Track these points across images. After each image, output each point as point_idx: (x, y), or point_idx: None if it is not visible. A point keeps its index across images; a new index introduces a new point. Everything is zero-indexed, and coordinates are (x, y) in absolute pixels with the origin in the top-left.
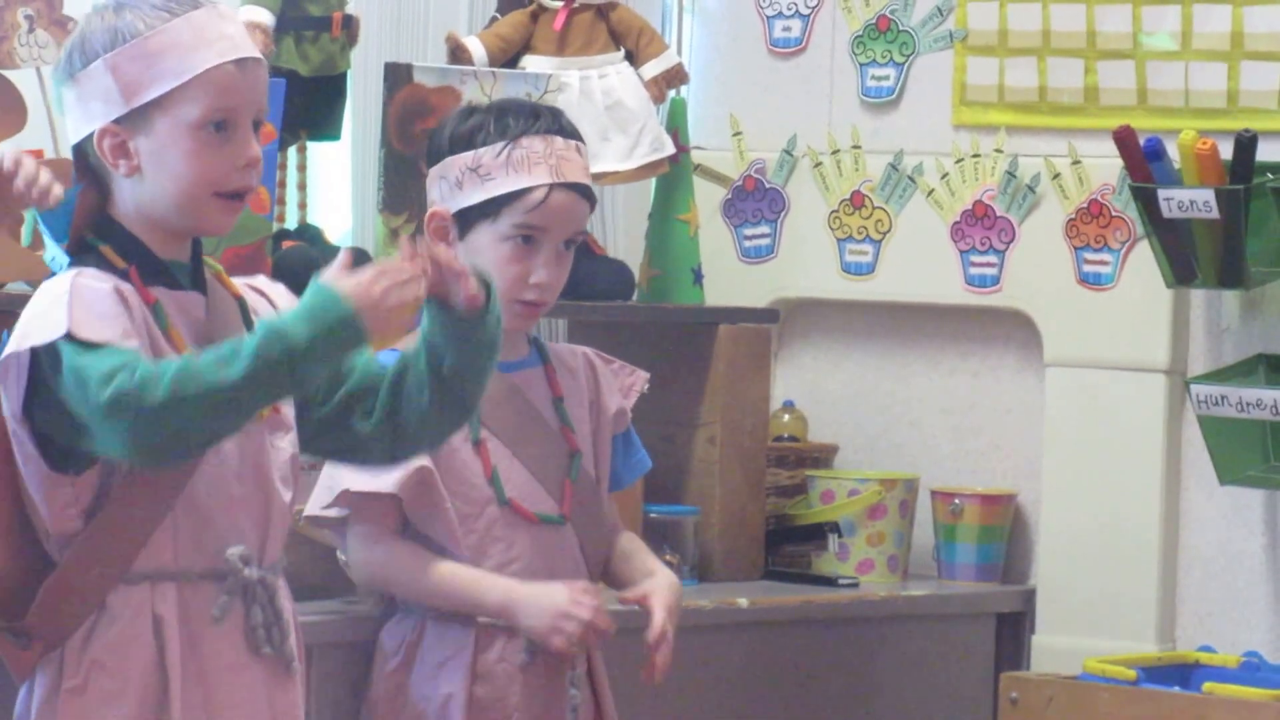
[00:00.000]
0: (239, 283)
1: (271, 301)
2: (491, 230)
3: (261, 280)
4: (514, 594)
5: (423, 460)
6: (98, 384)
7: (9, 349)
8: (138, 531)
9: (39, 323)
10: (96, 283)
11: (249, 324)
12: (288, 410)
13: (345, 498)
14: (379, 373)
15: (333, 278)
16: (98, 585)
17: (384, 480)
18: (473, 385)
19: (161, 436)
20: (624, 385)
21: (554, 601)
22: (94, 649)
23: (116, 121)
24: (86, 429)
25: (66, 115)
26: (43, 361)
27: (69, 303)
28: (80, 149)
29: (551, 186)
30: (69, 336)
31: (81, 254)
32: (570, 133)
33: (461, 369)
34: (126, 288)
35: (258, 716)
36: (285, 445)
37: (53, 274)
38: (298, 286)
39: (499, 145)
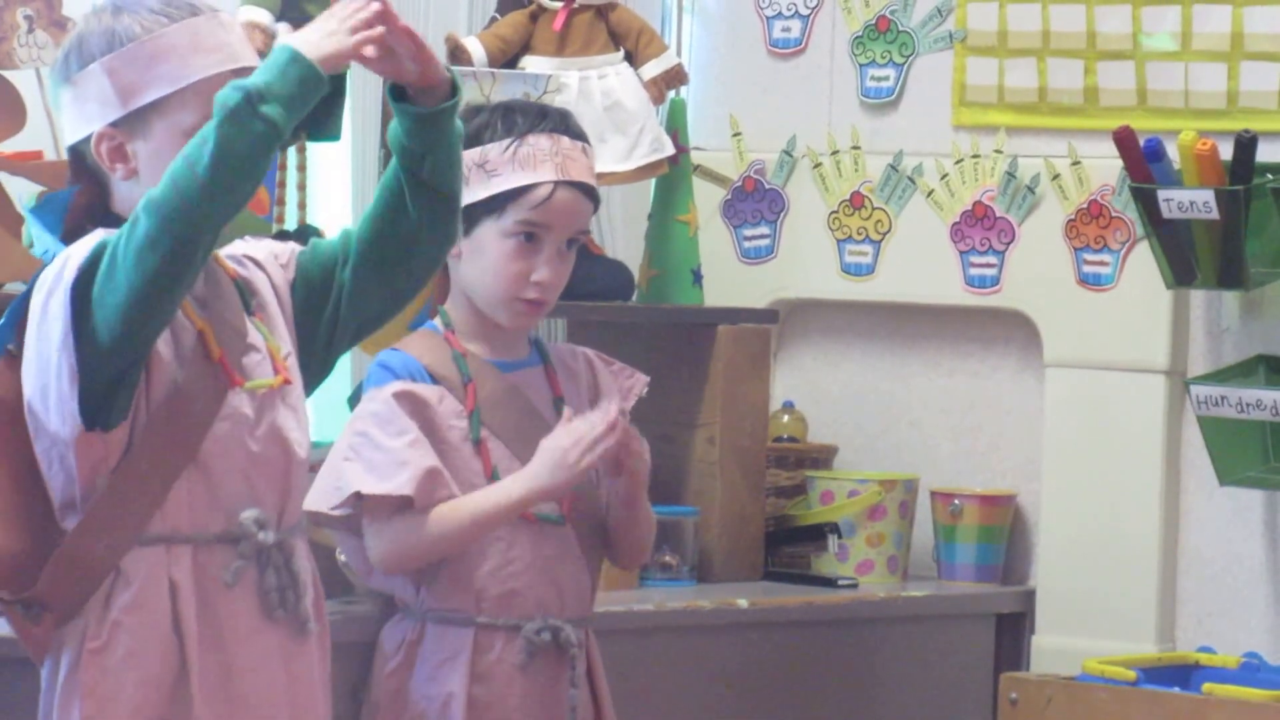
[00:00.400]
0: (231, 263)
1: (259, 264)
2: (496, 226)
3: (238, 245)
4: (525, 478)
5: (431, 461)
6: (123, 228)
7: (46, 289)
8: (150, 496)
9: (76, 255)
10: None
11: (248, 306)
12: (296, 376)
13: (355, 499)
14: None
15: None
16: (109, 552)
17: (395, 482)
18: (454, 178)
19: (185, 221)
20: (624, 387)
21: (554, 449)
22: (114, 611)
23: (113, 125)
24: (124, 319)
25: (63, 116)
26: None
27: (98, 234)
28: (77, 150)
29: (556, 184)
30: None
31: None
32: (577, 133)
33: (439, 165)
34: None
35: (274, 679)
36: (300, 406)
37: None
38: None
39: (506, 142)
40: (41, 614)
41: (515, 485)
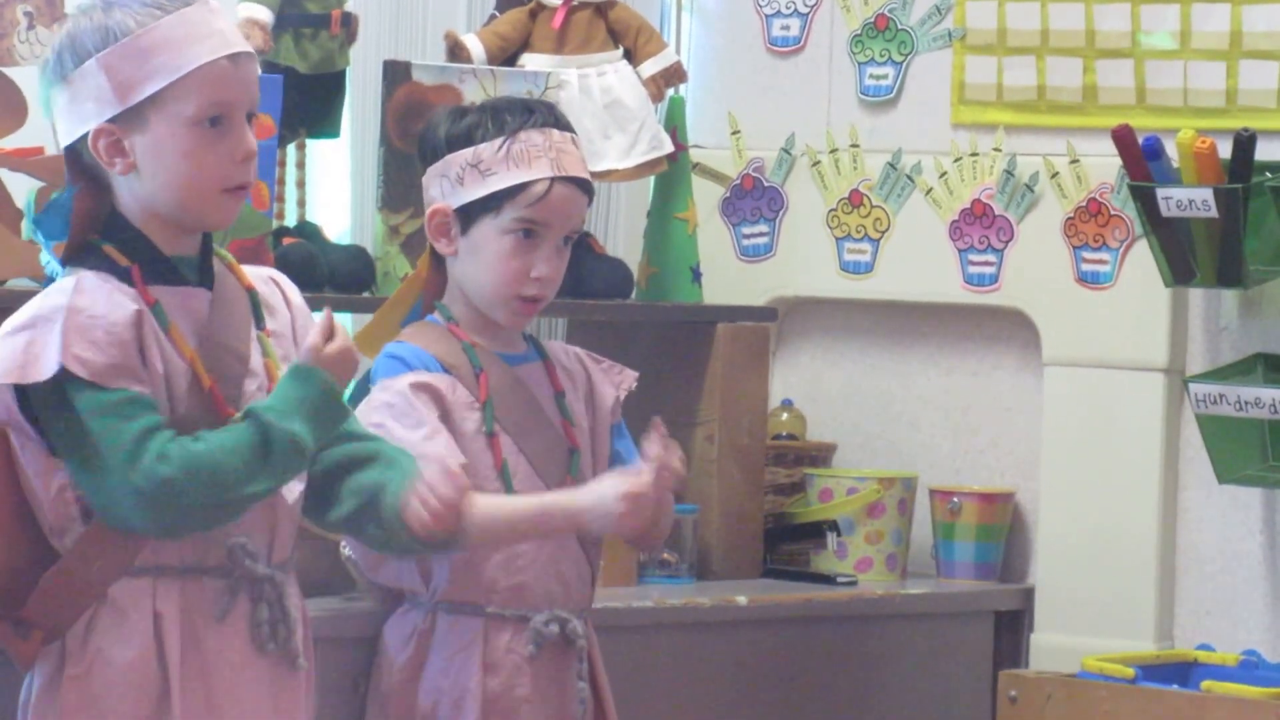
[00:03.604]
0: (252, 273)
1: (285, 296)
2: (493, 225)
3: (276, 274)
4: (577, 509)
5: (451, 453)
6: (128, 456)
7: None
8: None
9: (33, 352)
10: (95, 302)
11: (259, 318)
12: None
13: None
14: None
15: (313, 358)
16: (99, 578)
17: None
18: None
19: (191, 525)
20: (614, 382)
21: (610, 495)
22: (97, 639)
23: (110, 120)
24: (88, 461)
25: (57, 117)
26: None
27: (62, 331)
28: (74, 150)
29: (553, 180)
30: (65, 373)
31: (81, 255)
32: (564, 125)
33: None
34: (129, 293)
35: (260, 713)
36: None
37: (49, 278)
38: (297, 283)
39: (499, 140)
40: (30, 631)
41: (567, 509)
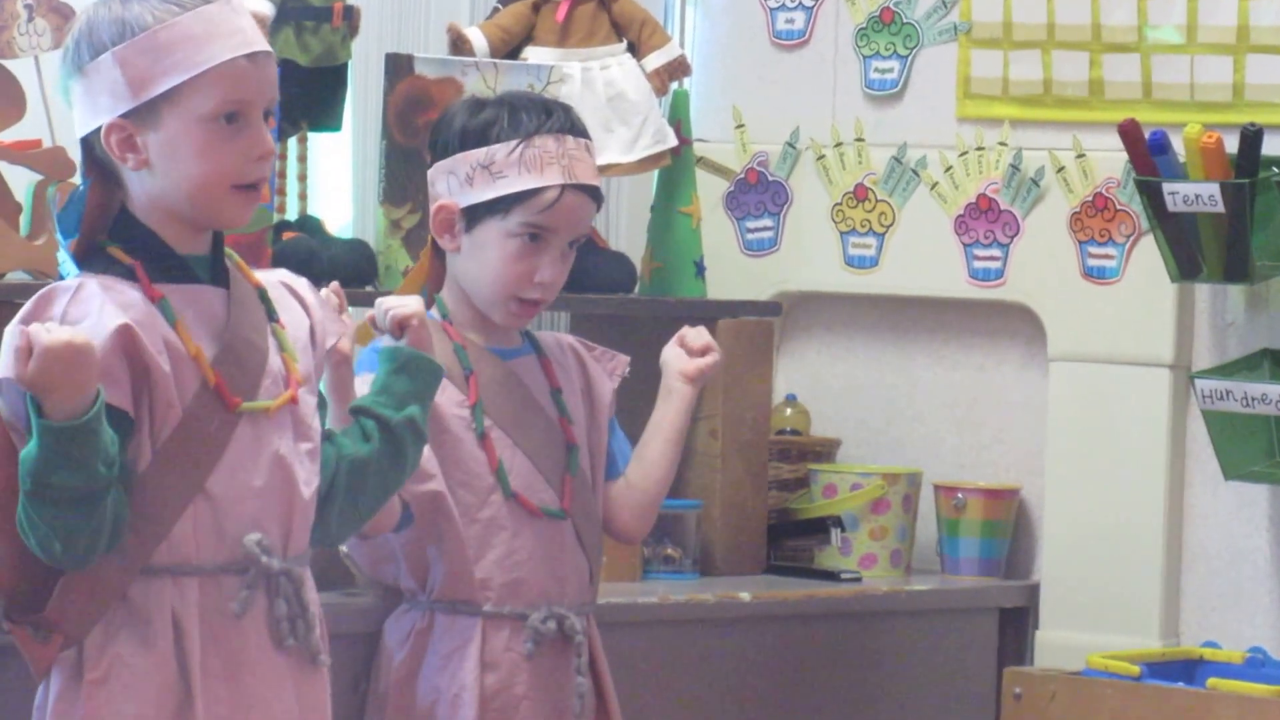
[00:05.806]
0: (265, 277)
1: (300, 298)
2: (499, 227)
3: (285, 274)
4: (676, 396)
5: (438, 485)
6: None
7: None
8: (158, 525)
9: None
10: (83, 315)
11: (271, 313)
12: (311, 416)
13: None
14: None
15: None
16: (118, 579)
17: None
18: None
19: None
20: (608, 371)
21: (677, 362)
22: (116, 642)
23: (124, 116)
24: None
25: (74, 108)
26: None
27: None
28: (87, 142)
29: (564, 188)
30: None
31: (90, 257)
32: (580, 130)
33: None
34: (131, 295)
35: (285, 710)
36: (313, 437)
37: (61, 278)
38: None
39: (512, 143)
40: (50, 635)
41: (675, 406)
